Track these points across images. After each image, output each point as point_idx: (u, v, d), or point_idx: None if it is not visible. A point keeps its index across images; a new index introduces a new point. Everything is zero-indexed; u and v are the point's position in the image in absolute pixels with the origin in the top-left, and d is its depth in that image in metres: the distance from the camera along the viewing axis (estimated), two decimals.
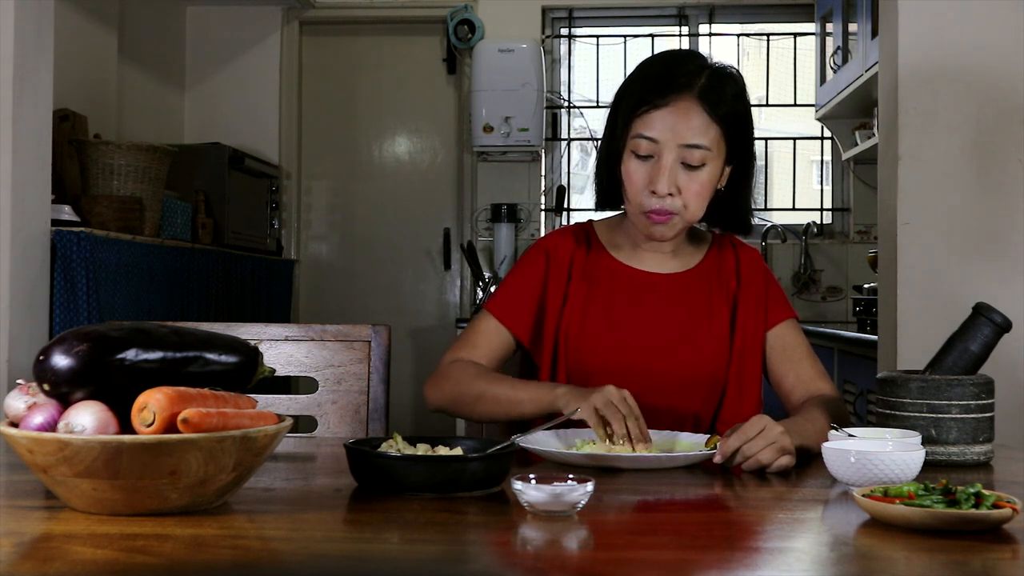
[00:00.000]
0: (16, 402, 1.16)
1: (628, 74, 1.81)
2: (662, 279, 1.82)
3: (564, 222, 5.00)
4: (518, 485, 1.14)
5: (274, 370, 1.33)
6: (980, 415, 1.51)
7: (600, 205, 1.86)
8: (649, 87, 1.72)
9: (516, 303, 1.83)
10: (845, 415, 1.69)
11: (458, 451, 1.32)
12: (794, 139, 5.09)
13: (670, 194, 1.70)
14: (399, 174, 5.13)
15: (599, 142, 1.86)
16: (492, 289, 4.59)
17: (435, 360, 1.83)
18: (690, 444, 1.58)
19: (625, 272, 1.83)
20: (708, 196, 1.74)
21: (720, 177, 1.76)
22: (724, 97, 1.71)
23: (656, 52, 1.82)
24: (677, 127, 1.69)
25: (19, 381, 1.19)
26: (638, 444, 1.50)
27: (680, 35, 5.06)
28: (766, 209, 5.09)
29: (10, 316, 2.61)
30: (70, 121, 3.40)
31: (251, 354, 1.25)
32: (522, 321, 1.82)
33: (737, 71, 1.78)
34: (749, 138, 1.78)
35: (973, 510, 1.07)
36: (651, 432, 1.63)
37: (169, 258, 3.48)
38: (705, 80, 1.71)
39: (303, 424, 1.90)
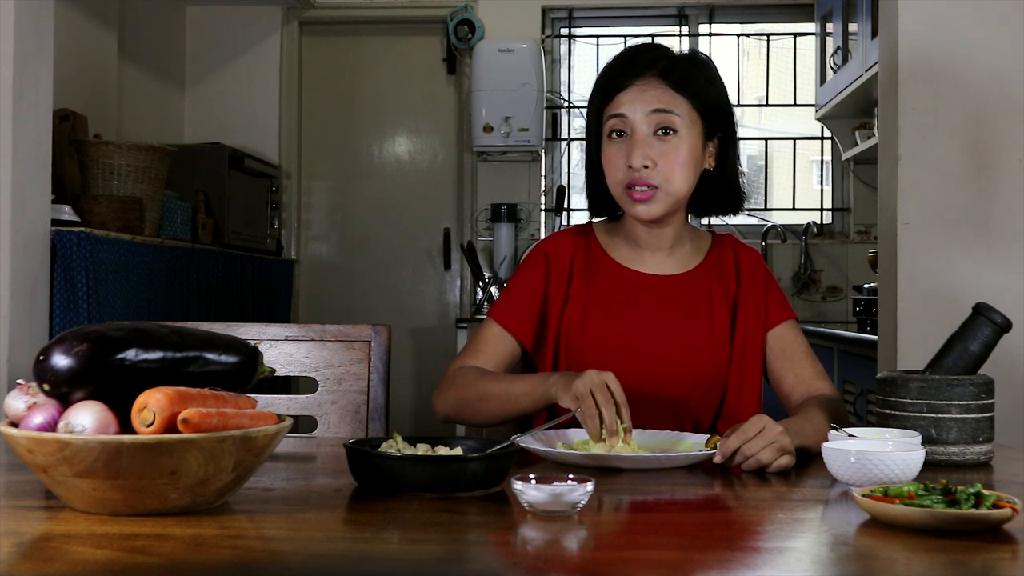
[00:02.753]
0: (16, 402, 1.16)
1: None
2: (662, 280, 1.82)
3: (564, 222, 5.00)
4: (518, 485, 1.14)
5: (274, 370, 1.33)
6: (980, 415, 1.51)
7: (593, 212, 1.89)
8: (612, 77, 1.77)
9: (519, 308, 1.83)
10: (845, 415, 1.70)
11: (458, 451, 1.32)
12: (794, 139, 5.09)
13: (646, 166, 1.71)
14: (399, 174, 5.13)
15: (584, 154, 1.90)
16: (492, 289, 4.59)
17: (435, 360, 1.83)
18: (690, 444, 1.57)
19: (625, 274, 1.83)
20: (690, 168, 1.74)
21: (703, 154, 1.77)
22: (688, 77, 1.75)
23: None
24: (642, 97, 1.73)
25: (19, 381, 1.19)
26: (612, 437, 1.48)
27: (680, 35, 5.07)
28: (766, 209, 5.10)
29: (10, 316, 2.61)
30: (70, 121, 3.40)
31: (251, 354, 1.25)
32: (525, 326, 1.82)
33: (706, 57, 1.81)
34: (726, 112, 1.79)
35: (973, 510, 1.07)
36: (652, 432, 1.63)
37: (169, 258, 3.48)
38: (666, 63, 1.76)
39: (303, 424, 1.90)
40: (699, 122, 1.75)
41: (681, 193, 1.75)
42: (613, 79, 1.77)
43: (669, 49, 1.80)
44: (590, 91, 1.84)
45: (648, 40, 4.97)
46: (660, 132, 1.72)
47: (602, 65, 1.85)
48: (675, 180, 1.73)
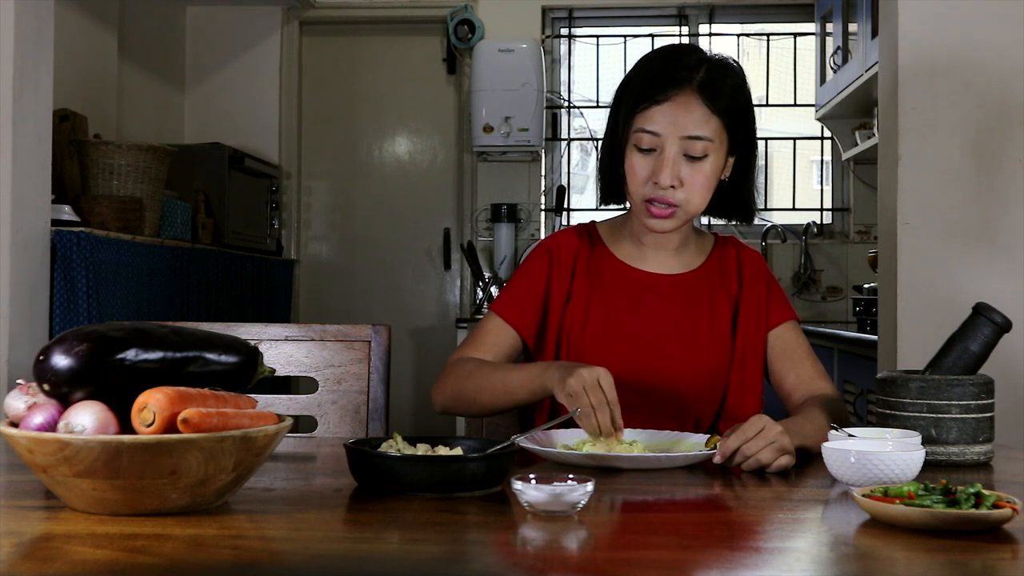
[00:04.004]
0: (16, 402, 1.16)
1: (628, 70, 1.81)
2: (664, 279, 1.82)
3: (564, 222, 5.00)
4: (518, 485, 1.14)
5: (274, 370, 1.33)
6: (980, 415, 1.51)
7: (604, 200, 1.87)
8: (649, 83, 1.73)
9: (520, 302, 1.83)
10: (845, 415, 1.70)
11: (458, 451, 1.32)
12: (794, 139, 5.09)
13: (672, 186, 1.71)
14: (399, 174, 5.13)
15: (601, 139, 1.87)
16: (492, 289, 4.59)
17: (435, 360, 1.83)
18: (690, 444, 1.57)
19: (628, 272, 1.83)
20: (711, 188, 1.75)
21: (724, 168, 1.77)
22: (723, 90, 1.72)
23: (656, 48, 1.82)
24: (678, 120, 1.70)
25: (19, 381, 1.19)
26: (607, 437, 1.49)
27: (680, 35, 5.06)
28: (766, 209, 5.09)
29: (10, 316, 2.61)
30: (70, 121, 3.40)
31: (251, 354, 1.25)
32: (527, 320, 1.82)
33: (736, 63, 1.78)
34: (751, 128, 1.79)
35: (973, 510, 1.07)
36: (652, 432, 1.63)
37: (169, 258, 3.48)
38: (704, 74, 1.72)
39: (303, 424, 1.90)
40: (726, 141, 1.74)
41: (698, 212, 1.76)
42: (649, 88, 1.73)
43: (705, 53, 1.77)
44: (621, 82, 1.80)
45: (647, 40, 5.01)
46: (689, 155, 1.72)
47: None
48: (695, 201, 1.73)
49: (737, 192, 1.82)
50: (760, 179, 5.09)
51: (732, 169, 1.79)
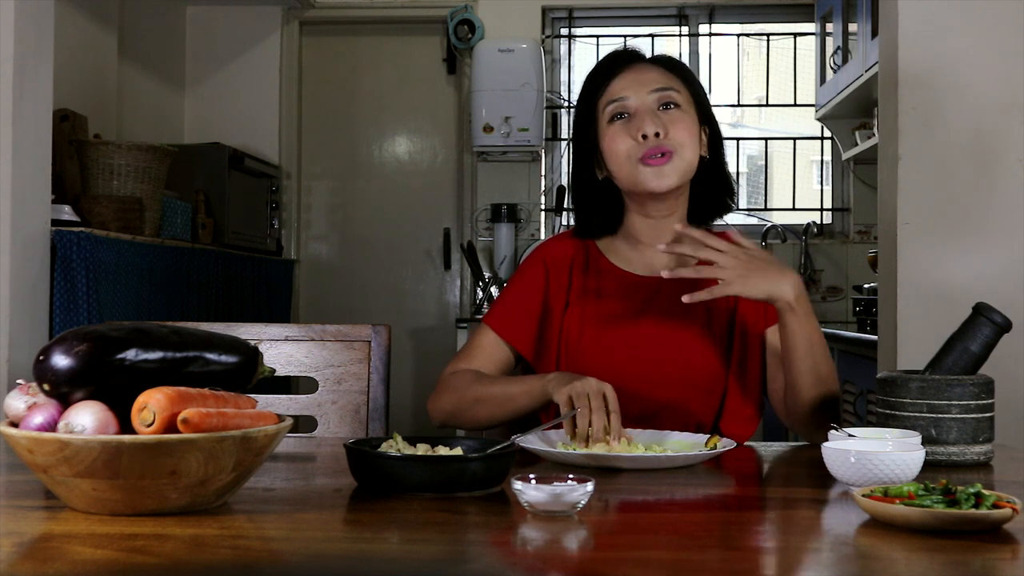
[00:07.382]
0: (16, 402, 1.16)
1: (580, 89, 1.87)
2: (661, 282, 1.82)
3: (564, 222, 5.00)
4: (518, 485, 1.14)
5: (274, 370, 1.33)
6: (980, 415, 1.51)
7: (583, 230, 1.86)
8: (602, 72, 1.80)
9: (515, 316, 1.83)
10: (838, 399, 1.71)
11: (458, 451, 1.32)
12: (794, 139, 5.09)
13: (657, 134, 1.72)
14: (399, 174, 5.13)
15: (571, 168, 1.90)
16: (492, 289, 4.59)
17: (435, 360, 1.83)
18: (690, 444, 1.57)
19: (624, 276, 1.83)
20: (696, 140, 1.76)
21: (700, 137, 1.79)
22: (675, 64, 1.82)
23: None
24: (641, 79, 1.77)
25: (19, 381, 1.19)
26: (601, 441, 1.49)
27: (680, 35, 5.06)
28: (766, 209, 5.09)
29: (10, 316, 2.61)
30: (70, 121, 3.40)
31: (251, 354, 1.25)
32: (521, 333, 1.82)
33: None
34: (709, 105, 1.84)
35: (973, 510, 1.07)
36: (652, 432, 1.63)
37: (169, 258, 3.48)
38: (652, 54, 1.84)
39: (303, 424, 1.90)
40: (693, 105, 1.78)
41: (692, 164, 1.75)
42: (604, 73, 1.80)
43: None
44: (579, 96, 1.83)
45: (647, 40, 5.01)
46: (663, 107, 1.75)
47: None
48: (687, 146, 1.74)
49: (716, 170, 1.83)
50: (760, 179, 5.10)
51: (708, 148, 1.81)
